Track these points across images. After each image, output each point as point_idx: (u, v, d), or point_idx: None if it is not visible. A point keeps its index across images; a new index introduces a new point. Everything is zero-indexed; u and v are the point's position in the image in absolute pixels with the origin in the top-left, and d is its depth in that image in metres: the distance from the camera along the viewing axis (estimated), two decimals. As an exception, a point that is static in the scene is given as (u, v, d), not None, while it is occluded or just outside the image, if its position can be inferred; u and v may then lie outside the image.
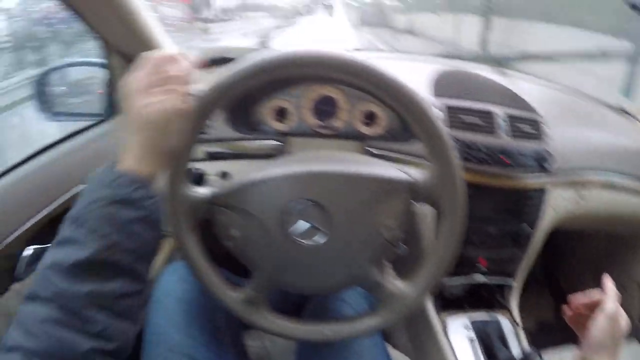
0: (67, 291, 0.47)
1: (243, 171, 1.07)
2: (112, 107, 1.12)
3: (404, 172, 0.66)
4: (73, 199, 0.91)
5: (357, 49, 1.51)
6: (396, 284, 0.70)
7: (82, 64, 1.18)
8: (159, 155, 0.57)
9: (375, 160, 0.72)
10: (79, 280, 0.48)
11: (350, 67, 0.59)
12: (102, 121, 1.11)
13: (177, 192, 0.63)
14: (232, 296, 0.69)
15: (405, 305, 0.68)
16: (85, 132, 1.04)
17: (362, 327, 0.70)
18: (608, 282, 0.70)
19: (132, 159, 0.54)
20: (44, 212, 0.85)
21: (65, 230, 0.51)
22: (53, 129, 1.42)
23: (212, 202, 0.66)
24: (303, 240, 0.65)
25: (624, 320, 0.65)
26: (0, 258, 0.75)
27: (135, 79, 0.56)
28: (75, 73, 1.28)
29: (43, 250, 0.83)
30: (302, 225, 0.64)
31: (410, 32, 14.95)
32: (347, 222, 0.64)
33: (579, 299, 0.72)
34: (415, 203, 0.66)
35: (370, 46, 12.19)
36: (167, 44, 1.10)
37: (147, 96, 0.55)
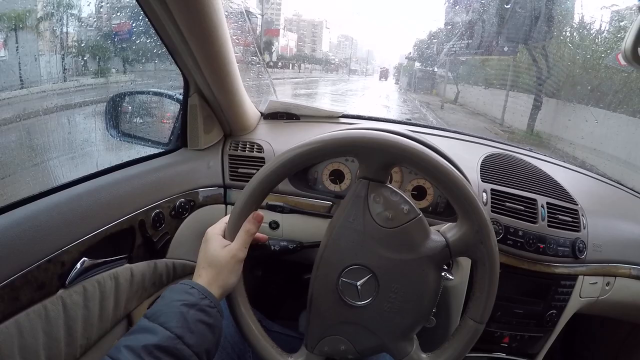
0: None
1: (292, 224, 1.11)
2: (179, 140, 1.18)
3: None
4: (131, 220, 0.95)
5: (413, 124, 1.57)
6: (422, 357, 0.73)
7: (164, 95, 1.25)
8: (225, 286, 0.71)
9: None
10: None
11: (407, 154, 0.66)
12: (167, 152, 1.16)
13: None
14: None
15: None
16: (151, 160, 1.09)
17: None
18: None
19: (205, 279, 0.70)
20: (101, 229, 0.88)
21: (140, 322, 0.63)
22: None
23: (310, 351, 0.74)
24: (353, 301, 0.70)
25: None
26: (55, 263, 0.77)
27: (218, 225, 0.75)
28: (141, 97, 1.36)
29: (94, 264, 0.85)
30: (353, 285, 0.70)
31: (455, 102, 15.49)
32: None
33: None
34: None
35: (416, 112, 13.00)
36: (244, 94, 1.17)
37: (225, 242, 0.73)
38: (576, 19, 8.37)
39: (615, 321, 1.50)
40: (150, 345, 0.58)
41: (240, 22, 1.18)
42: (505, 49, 10.55)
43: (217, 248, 0.72)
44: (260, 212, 0.97)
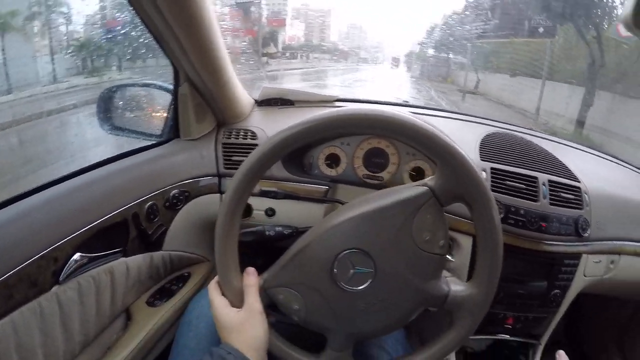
0: None
1: (288, 210, 1.10)
2: (172, 131, 1.16)
3: (420, 185, 0.68)
4: (124, 213, 0.94)
5: (412, 105, 1.55)
6: (461, 288, 0.70)
7: (154, 86, 1.23)
8: (260, 345, 0.68)
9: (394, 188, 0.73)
10: None
11: (406, 129, 0.63)
12: (160, 143, 1.15)
13: None
14: None
15: (478, 306, 0.69)
16: (143, 152, 1.08)
17: (449, 344, 0.71)
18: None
19: (241, 344, 0.66)
20: (95, 223, 0.87)
21: None
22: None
23: (266, 288, 0.71)
24: (354, 287, 0.66)
25: None
26: (48, 259, 0.77)
27: (217, 303, 0.70)
28: (132, 90, 1.35)
29: (88, 259, 0.85)
30: (349, 274, 0.66)
31: (475, 90, 14.40)
32: (389, 254, 0.66)
33: None
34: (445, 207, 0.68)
35: (429, 100, 12.20)
36: (235, 81, 1.15)
37: (235, 307, 0.70)
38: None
39: (620, 300, 1.50)
40: None
41: (242, 13, 1.16)
42: (541, 30, 9.23)
43: (232, 317, 0.69)
44: (255, 199, 0.96)
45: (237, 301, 0.69)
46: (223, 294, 0.71)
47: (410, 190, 0.68)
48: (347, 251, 0.66)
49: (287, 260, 0.69)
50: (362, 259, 0.66)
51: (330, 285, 0.66)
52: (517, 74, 11.04)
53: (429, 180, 0.68)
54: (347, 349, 0.72)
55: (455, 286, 0.70)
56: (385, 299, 0.67)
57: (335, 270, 0.66)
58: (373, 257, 0.66)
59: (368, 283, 0.66)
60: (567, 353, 0.68)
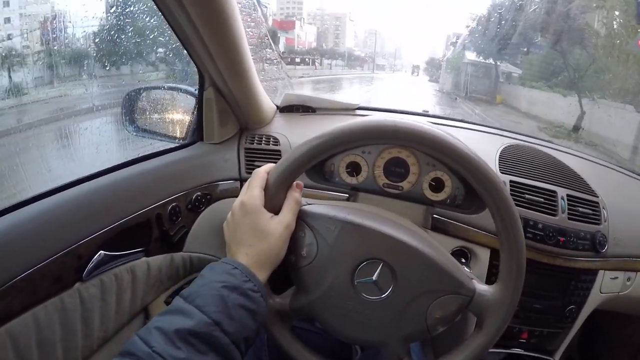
0: (162, 354, 0.51)
1: None
2: (195, 134, 1.18)
3: (472, 282, 0.69)
4: (147, 214, 0.95)
5: (432, 115, 1.55)
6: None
7: (180, 90, 1.24)
8: (275, 261, 0.67)
9: (450, 256, 0.74)
10: (176, 347, 0.52)
11: (432, 142, 0.65)
12: (183, 146, 1.17)
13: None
14: (268, 301, 0.71)
15: (505, 308, 0.69)
16: (167, 154, 1.10)
17: (478, 347, 0.72)
18: None
19: (249, 259, 0.64)
20: (118, 222, 0.89)
21: (175, 302, 0.58)
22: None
23: (300, 217, 0.70)
24: (362, 292, 0.68)
25: None
26: (72, 256, 0.79)
27: (256, 196, 0.67)
28: (157, 93, 1.37)
29: (111, 257, 0.86)
30: (368, 278, 0.68)
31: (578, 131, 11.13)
32: (406, 295, 0.68)
33: None
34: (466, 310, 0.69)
35: (453, 111, 11.37)
36: (259, 87, 1.16)
37: (269, 214, 0.67)
38: None
39: (636, 318, 1.46)
40: (184, 329, 0.53)
41: (249, 13, 1.17)
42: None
43: (266, 220, 0.66)
44: None
45: (275, 203, 0.68)
46: (265, 190, 0.68)
47: (461, 273, 0.69)
48: (381, 261, 0.68)
49: (331, 212, 0.70)
50: (387, 278, 0.68)
51: (348, 275, 0.69)
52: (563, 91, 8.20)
53: (482, 287, 0.70)
54: (298, 315, 0.74)
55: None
56: (365, 318, 0.70)
57: (362, 265, 0.68)
58: (397, 288, 0.68)
59: (371, 297, 0.68)
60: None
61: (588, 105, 9.05)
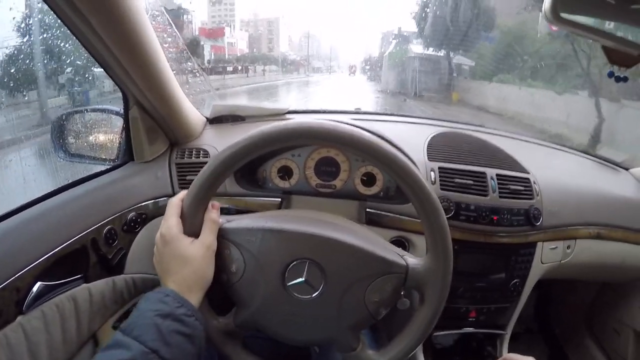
0: None
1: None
2: (126, 155, 1.17)
3: (403, 259, 0.72)
4: (82, 239, 0.94)
5: (359, 111, 1.60)
6: (368, 353, 0.74)
7: (103, 110, 1.23)
8: (204, 283, 0.69)
9: (380, 239, 0.77)
10: None
11: (346, 139, 0.67)
12: (115, 167, 1.16)
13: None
14: (214, 324, 0.74)
15: (441, 276, 0.71)
16: (98, 177, 1.09)
17: (425, 319, 0.73)
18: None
19: (177, 286, 0.66)
20: (54, 251, 0.87)
21: (115, 336, 0.59)
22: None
23: (222, 235, 0.72)
24: (295, 293, 0.70)
25: None
26: (11, 290, 0.77)
27: (173, 225, 0.69)
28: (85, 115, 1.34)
29: (50, 287, 0.85)
30: (298, 279, 0.70)
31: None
32: (339, 288, 0.70)
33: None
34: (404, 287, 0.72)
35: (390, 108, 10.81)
36: (184, 101, 1.16)
37: (189, 238, 0.69)
38: None
39: (584, 283, 1.56)
40: None
41: (164, 28, 1.17)
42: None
43: (185, 245, 0.68)
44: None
45: (194, 228, 0.70)
46: (182, 217, 0.70)
47: (390, 252, 0.72)
48: (309, 260, 0.70)
49: (258, 229, 0.71)
50: (316, 276, 0.70)
51: (278, 278, 0.70)
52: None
53: (413, 260, 0.72)
54: (245, 329, 0.76)
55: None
56: (307, 318, 0.72)
57: (290, 268, 0.70)
58: (328, 284, 0.70)
59: (305, 297, 0.70)
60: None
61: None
